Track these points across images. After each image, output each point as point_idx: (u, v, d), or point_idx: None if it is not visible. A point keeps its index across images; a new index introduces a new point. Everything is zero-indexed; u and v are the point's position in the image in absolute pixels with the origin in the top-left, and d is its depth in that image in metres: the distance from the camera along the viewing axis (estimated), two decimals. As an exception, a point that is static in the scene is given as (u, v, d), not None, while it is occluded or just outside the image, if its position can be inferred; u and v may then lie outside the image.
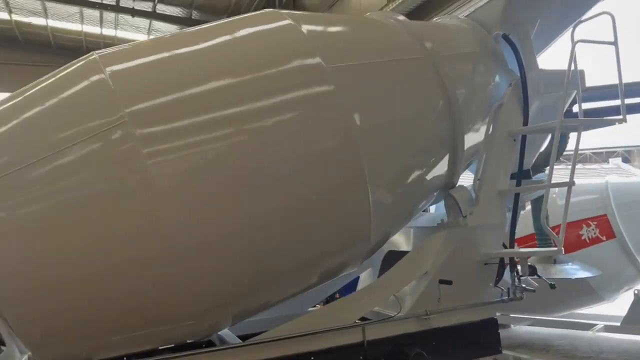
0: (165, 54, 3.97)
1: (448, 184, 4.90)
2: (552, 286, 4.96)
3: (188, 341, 4.17)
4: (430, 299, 4.64)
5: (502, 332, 9.51)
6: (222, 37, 4.17)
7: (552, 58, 5.99)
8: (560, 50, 5.47)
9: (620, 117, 4.82)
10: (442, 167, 4.76)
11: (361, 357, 4.38)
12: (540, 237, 7.63)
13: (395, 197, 4.44)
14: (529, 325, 9.15)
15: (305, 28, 4.22)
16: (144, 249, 3.44)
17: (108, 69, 3.64)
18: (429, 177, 4.69)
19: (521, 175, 5.02)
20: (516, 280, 4.92)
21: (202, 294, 3.70)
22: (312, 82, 4.00)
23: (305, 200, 3.91)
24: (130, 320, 3.63)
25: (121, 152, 3.41)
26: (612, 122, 4.97)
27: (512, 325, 9.75)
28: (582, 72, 5.30)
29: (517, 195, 5.01)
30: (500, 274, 4.95)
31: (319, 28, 4.46)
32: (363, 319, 4.61)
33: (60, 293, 3.39)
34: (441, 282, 4.59)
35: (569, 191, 4.50)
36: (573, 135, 5.12)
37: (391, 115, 4.33)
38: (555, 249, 4.47)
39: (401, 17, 5.08)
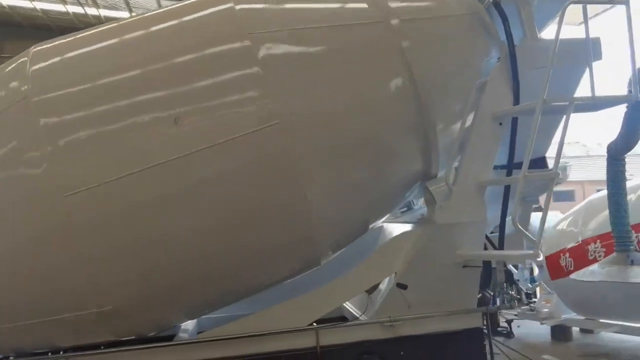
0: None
1: (426, 175, 4.40)
2: (403, 286, 4.20)
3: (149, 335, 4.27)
4: (399, 304, 4.25)
5: (585, 339, 8.61)
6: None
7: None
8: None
9: (632, 93, 3.99)
10: (411, 156, 4.28)
11: (316, 363, 4.15)
12: (619, 238, 6.69)
13: (347, 192, 4.07)
14: (616, 332, 8.04)
15: (240, 6, 3.99)
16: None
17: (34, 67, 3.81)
18: (392, 168, 4.24)
19: (512, 165, 4.36)
20: (505, 286, 4.32)
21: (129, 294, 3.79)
22: (237, 66, 3.78)
23: (233, 198, 3.78)
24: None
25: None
26: (622, 100, 4.13)
27: (595, 331, 8.67)
28: (596, 41, 4.46)
29: (507, 189, 4.37)
30: (487, 279, 4.38)
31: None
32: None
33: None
34: (398, 285, 4.16)
35: (550, 183, 3.84)
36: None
37: (334, 97, 3.91)
38: (531, 252, 3.81)
39: None
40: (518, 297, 4.30)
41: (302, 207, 3.81)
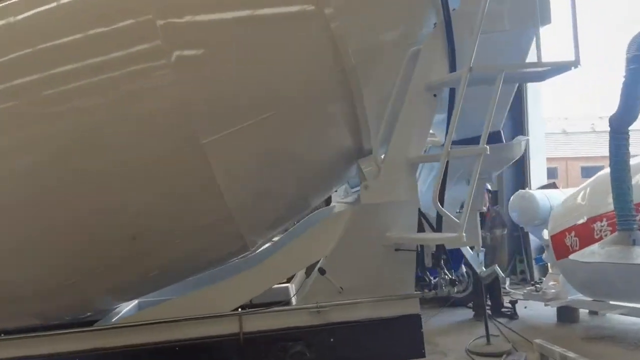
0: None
1: (360, 151, 4.08)
2: (322, 271, 3.93)
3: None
4: (328, 289, 3.98)
5: (593, 321, 8.08)
6: None
7: None
8: None
9: (573, 59, 3.55)
10: (337, 129, 3.97)
11: (236, 351, 3.95)
12: (621, 216, 6.19)
13: (263, 166, 3.81)
14: (622, 314, 7.49)
15: None
16: None
17: None
18: (316, 141, 3.94)
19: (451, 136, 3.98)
20: (442, 272, 3.99)
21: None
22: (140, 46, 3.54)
23: (137, 184, 3.60)
24: None
25: None
26: (566, 67, 3.67)
27: (600, 313, 8.11)
28: (544, 2, 4.00)
29: (446, 165, 3.99)
30: (420, 263, 4.05)
31: None
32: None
33: None
34: (319, 270, 3.90)
35: (477, 161, 3.46)
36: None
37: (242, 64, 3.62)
38: (454, 235, 3.45)
39: None
40: (456, 281, 3.98)
41: (211, 185, 3.58)
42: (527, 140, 4.93)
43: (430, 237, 3.88)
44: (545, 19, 4.00)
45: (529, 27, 3.89)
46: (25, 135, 3.51)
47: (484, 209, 4.92)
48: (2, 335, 3.97)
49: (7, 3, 3.78)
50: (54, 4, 3.76)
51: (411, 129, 3.90)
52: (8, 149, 3.49)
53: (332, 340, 4.00)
